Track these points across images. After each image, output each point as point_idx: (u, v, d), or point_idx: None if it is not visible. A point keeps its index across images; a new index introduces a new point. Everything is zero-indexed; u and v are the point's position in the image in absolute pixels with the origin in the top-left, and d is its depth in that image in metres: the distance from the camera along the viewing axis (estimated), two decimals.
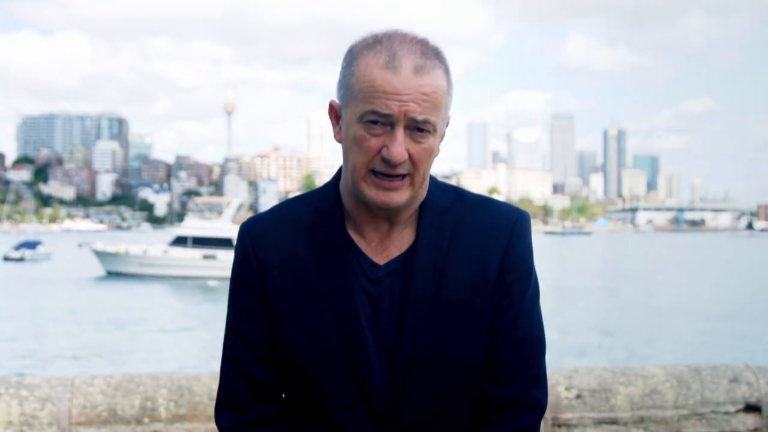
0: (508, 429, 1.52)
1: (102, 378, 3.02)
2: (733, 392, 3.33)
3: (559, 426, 3.18)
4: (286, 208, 1.59)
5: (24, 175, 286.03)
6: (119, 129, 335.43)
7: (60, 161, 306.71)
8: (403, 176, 1.45)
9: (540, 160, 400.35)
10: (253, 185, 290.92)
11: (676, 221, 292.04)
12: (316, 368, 1.49)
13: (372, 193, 1.45)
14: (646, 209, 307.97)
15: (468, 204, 1.56)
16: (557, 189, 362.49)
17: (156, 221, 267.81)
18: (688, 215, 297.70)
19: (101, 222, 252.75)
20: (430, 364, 1.48)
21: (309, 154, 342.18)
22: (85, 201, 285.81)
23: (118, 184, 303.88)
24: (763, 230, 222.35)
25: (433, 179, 1.57)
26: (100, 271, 47.76)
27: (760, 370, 3.44)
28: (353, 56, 1.46)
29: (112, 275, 46.54)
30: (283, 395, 1.58)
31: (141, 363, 20.25)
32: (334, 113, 1.53)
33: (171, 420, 2.95)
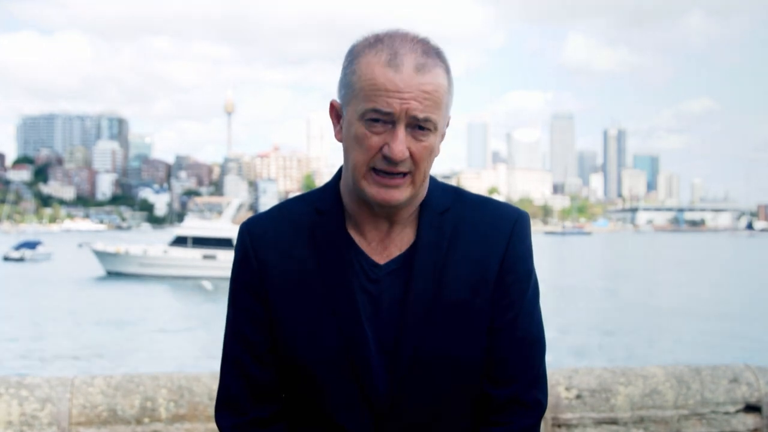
0: (509, 429, 1.52)
1: (102, 378, 3.02)
2: (733, 392, 3.33)
3: (559, 426, 3.18)
4: (286, 208, 1.59)
5: (24, 175, 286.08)
6: (119, 129, 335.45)
7: (60, 161, 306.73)
8: (404, 174, 1.45)
9: (540, 160, 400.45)
10: (253, 185, 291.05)
11: (676, 221, 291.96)
12: (316, 368, 1.49)
13: (373, 190, 1.45)
14: (646, 209, 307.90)
15: (468, 204, 1.57)
16: (557, 189, 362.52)
17: (156, 221, 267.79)
18: (688, 215, 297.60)
19: (101, 222, 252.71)
20: (430, 364, 1.48)
21: (309, 154, 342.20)
22: (85, 201, 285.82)
23: (118, 184, 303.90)
24: (763, 230, 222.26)
25: (432, 179, 1.57)
26: (100, 271, 47.76)
27: (760, 370, 3.44)
28: (354, 55, 1.46)
29: (112, 275, 46.54)
30: (283, 395, 1.57)
31: (141, 363, 20.25)
32: (335, 112, 1.53)
33: (171, 420, 2.95)
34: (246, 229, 1.57)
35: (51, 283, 44.30)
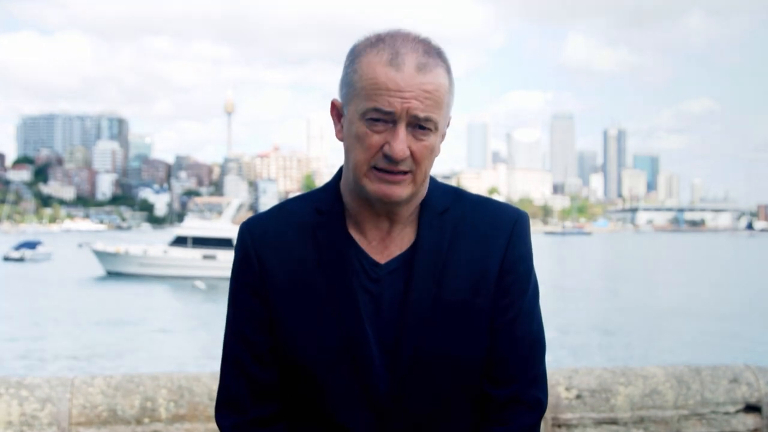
0: (509, 428, 1.52)
1: (102, 378, 3.02)
2: (733, 392, 3.33)
3: (559, 426, 3.18)
4: (286, 208, 1.59)
5: (24, 175, 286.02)
6: (119, 129, 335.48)
7: (60, 161, 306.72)
8: (405, 173, 1.45)
9: (540, 160, 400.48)
10: (253, 185, 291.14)
11: (676, 221, 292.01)
12: (316, 367, 1.49)
13: (374, 187, 1.46)
14: (646, 209, 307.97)
15: (468, 204, 1.57)
16: (557, 189, 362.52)
17: (156, 221, 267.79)
18: (688, 215, 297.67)
19: (101, 222, 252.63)
20: (431, 363, 1.48)
21: (309, 154, 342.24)
22: (85, 201, 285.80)
23: (118, 184, 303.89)
24: (763, 230, 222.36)
25: (432, 180, 1.57)
26: (100, 271, 47.77)
27: (760, 370, 3.44)
28: (356, 54, 1.46)
29: (112, 275, 46.55)
30: (284, 395, 1.57)
31: (141, 363, 20.25)
32: (336, 112, 1.53)
33: (171, 420, 2.95)
34: (246, 228, 1.57)
35: (51, 283, 44.31)
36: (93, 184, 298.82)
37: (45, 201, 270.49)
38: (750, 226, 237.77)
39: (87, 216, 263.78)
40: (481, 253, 1.52)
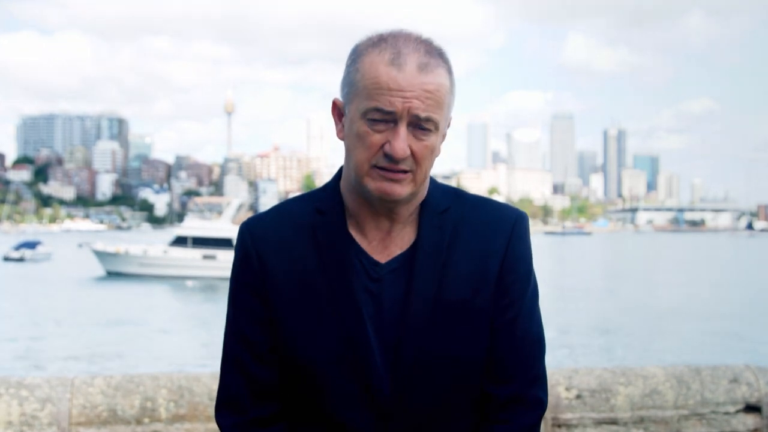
0: (509, 427, 1.52)
1: (102, 378, 3.02)
2: (733, 392, 3.33)
3: (559, 426, 3.18)
4: (287, 208, 1.59)
5: (24, 175, 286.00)
6: (119, 129, 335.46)
7: (60, 161, 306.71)
8: (405, 172, 1.45)
9: (540, 160, 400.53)
10: (253, 185, 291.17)
11: (676, 221, 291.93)
12: (317, 367, 1.49)
13: (376, 185, 1.46)
14: (646, 209, 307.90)
15: (467, 204, 1.57)
16: (557, 189, 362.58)
17: (156, 221, 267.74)
18: (688, 215, 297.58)
19: (101, 222, 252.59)
20: (432, 363, 1.49)
21: (309, 154, 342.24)
22: (85, 201, 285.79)
23: (118, 184, 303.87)
24: (763, 230, 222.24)
25: (432, 180, 1.58)
26: (100, 271, 47.75)
27: (760, 370, 3.44)
28: (358, 54, 1.47)
29: (112, 275, 46.53)
30: (284, 395, 1.57)
31: (141, 363, 20.24)
32: (337, 111, 1.53)
33: (171, 420, 2.95)
34: (246, 228, 1.57)
35: (51, 283, 44.31)
36: (93, 184, 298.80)
37: (45, 201, 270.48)
38: (750, 226, 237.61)
39: (87, 216, 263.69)
40: (481, 253, 1.53)
